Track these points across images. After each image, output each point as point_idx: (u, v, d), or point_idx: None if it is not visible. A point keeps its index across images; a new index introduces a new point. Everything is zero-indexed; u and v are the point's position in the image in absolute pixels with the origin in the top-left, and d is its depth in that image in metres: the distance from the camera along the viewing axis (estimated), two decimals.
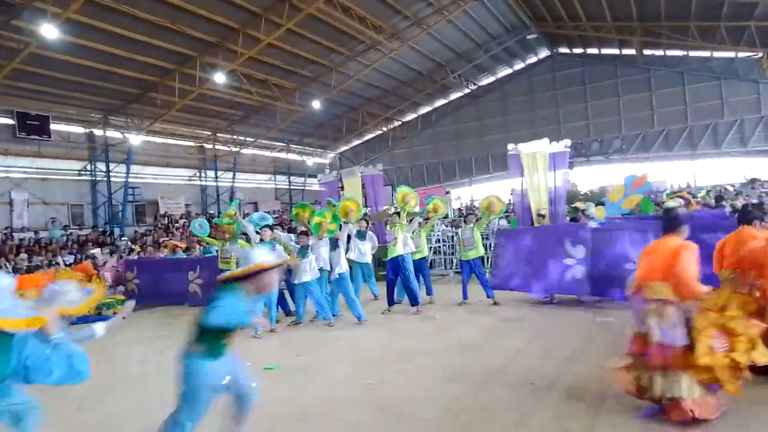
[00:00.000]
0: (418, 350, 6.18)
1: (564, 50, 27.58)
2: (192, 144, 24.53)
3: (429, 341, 6.67)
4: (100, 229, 19.67)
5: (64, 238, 17.81)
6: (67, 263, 14.31)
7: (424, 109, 30.80)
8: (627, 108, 26.49)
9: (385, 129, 30.98)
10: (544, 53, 28.13)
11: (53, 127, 18.63)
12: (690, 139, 25.40)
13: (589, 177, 25.99)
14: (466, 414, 4.14)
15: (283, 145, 28.86)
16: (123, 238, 18.88)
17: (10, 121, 17.68)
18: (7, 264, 13.46)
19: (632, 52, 24.09)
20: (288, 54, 19.16)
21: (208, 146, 25.19)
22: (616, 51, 25.41)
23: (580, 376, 4.83)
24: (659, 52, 24.23)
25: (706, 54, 23.35)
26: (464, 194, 29.93)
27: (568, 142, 9.35)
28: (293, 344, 6.99)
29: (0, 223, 17.49)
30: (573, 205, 11.73)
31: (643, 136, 26.42)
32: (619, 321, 6.80)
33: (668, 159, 25.91)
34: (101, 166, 20.77)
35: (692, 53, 23.56)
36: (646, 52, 24.05)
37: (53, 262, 14.37)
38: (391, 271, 8.36)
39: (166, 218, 22.06)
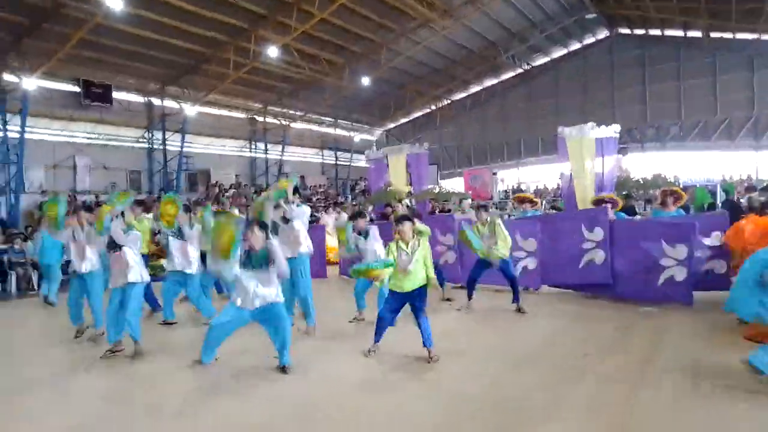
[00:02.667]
0: (454, 331, 6.28)
1: (624, 31, 26.47)
2: (243, 116, 25.09)
3: (464, 324, 6.76)
4: (156, 196, 20.52)
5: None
6: None
7: (474, 89, 30.32)
8: (688, 93, 25.30)
9: (433, 107, 30.73)
10: (602, 34, 27.09)
11: (114, 95, 19.46)
12: (755, 129, 24.07)
13: (643, 164, 25.17)
14: (502, 392, 4.25)
15: (331, 120, 29.10)
16: None
17: (76, 89, 18.57)
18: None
19: (698, 34, 22.90)
20: (340, 30, 19.22)
21: (259, 119, 25.71)
22: (680, 33, 24.19)
23: (618, 363, 4.83)
24: (727, 35, 22.91)
25: None
26: (510, 176, 29.55)
27: (617, 127, 9.02)
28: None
29: (65, 185, 18.54)
30: (624, 193, 11.40)
31: (703, 124, 25.24)
32: (663, 312, 6.73)
33: (730, 149, 24.68)
34: (158, 134, 21.60)
35: (765, 36, 22.14)
36: (713, 34, 22.79)
37: None
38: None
39: (217, 187, 22.77)
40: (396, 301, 5.25)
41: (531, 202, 9.88)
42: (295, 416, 3.88)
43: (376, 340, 5.28)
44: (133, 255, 5.56)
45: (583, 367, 4.71)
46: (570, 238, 7.95)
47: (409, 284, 5.11)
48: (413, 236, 5.23)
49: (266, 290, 4.75)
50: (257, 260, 4.71)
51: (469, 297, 7.47)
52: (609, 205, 7.88)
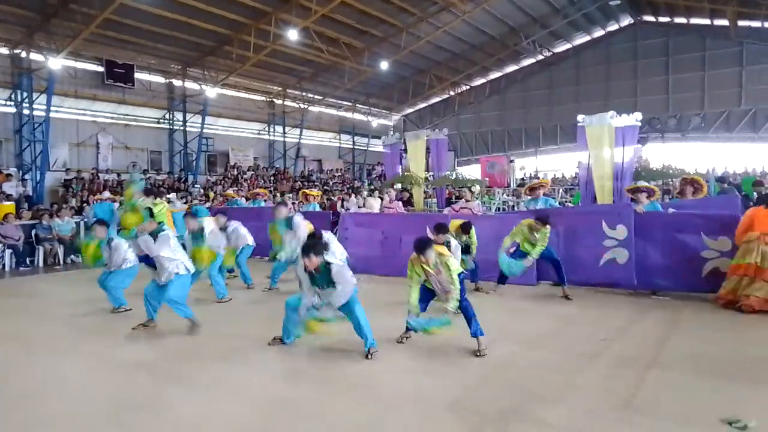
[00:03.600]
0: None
1: (648, 18, 26.01)
2: (262, 99, 25.26)
3: (477, 306, 6.83)
4: (175, 176, 20.85)
5: (143, 181, 19.02)
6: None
7: (494, 75, 30.09)
8: (712, 83, 24.86)
9: (452, 93, 30.58)
10: (626, 21, 26.66)
11: (137, 75, 19.70)
12: None
13: (661, 154, 24.85)
14: (514, 371, 4.37)
15: (350, 104, 29.14)
16: (196, 186, 19.98)
17: (99, 69, 18.84)
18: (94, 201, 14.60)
19: (725, 22, 22.41)
20: (360, 13, 19.19)
21: (278, 102, 25.85)
22: (706, 21, 23.70)
23: (629, 347, 4.93)
24: (756, 24, 22.39)
25: None
26: (529, 164, 29.40)
27: (639, 115, 8.95)
28: None
29: (88, 163, 18.95)
30: (638, 183, 11.36)
31: (726, 115, 24.82)
32: (677, 298, 6.78)
33: (753, 141, 24.28)
34: (178, 115, 21.86)
35: None
36: (741, 23, 22.29)
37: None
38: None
39: (235, 169, 23.05)
40: (428, 292, 5.01)
41: (541, 186, 9.23)
42: (331, 396, 4.05)
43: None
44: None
45: (594, 350, 4.80)
46: (587, 234, 7.49)
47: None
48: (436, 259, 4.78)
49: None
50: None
51: (500, 283, 7.41)
52: (645, 194, 7.53)
